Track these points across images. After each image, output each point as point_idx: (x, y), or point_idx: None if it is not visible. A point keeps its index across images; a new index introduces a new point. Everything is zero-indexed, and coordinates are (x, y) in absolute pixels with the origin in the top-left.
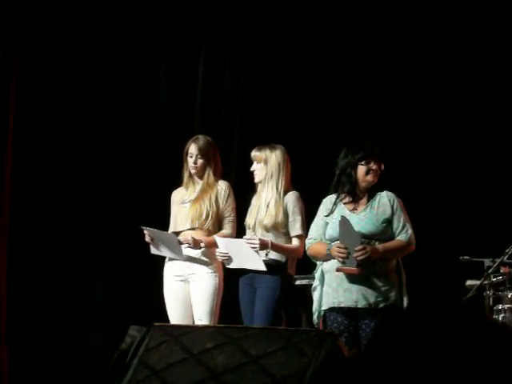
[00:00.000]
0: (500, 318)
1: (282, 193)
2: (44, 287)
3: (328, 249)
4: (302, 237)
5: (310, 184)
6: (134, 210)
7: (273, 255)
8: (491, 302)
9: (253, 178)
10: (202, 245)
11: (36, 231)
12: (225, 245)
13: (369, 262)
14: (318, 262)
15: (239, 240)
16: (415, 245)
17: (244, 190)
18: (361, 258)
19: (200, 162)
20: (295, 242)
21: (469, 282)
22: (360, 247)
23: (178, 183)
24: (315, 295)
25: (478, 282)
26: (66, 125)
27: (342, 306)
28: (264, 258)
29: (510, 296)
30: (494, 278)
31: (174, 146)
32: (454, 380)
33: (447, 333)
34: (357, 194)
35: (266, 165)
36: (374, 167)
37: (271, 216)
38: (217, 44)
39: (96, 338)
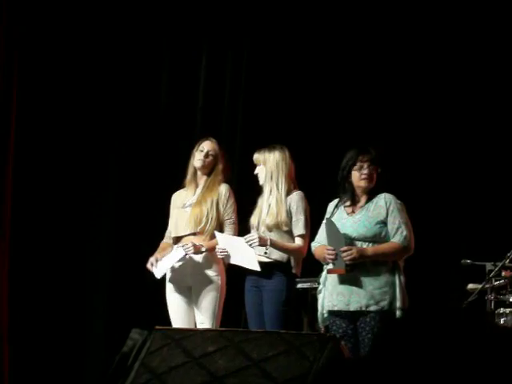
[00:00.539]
0: (501, 322)
1: (283, 192)
2: (46, 289)
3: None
4: (305, 236)
5: (312, 185)
6: (136, 213)
7: (274, 255)
8: (493, 306)
9: (254, 181)
10: (203, 249)
11: (38, 232)
12: (224, 241)
13: (356, 262)
14: (324, 266)
15: (238, 238)
16: (412, 247)
17: (246, 193)
18: (346, 258)
19: (210, 158)
20: (298, 242)
21: (470, 286)
22: (345, 248)
23: (179, 185)
24: (319, 298)
25: (479, 286)
26: (68, 126)
27: (336, 309)
28: (263, 257)
29: (511, 300)
30: (495, 281)
31: (176, 148)
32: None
33: (448, 337)
34: (355, 198)
35: (266, 166)
36: (366, 172)
37: (273, 215)
38: (219, 46)
39: (98, 341)
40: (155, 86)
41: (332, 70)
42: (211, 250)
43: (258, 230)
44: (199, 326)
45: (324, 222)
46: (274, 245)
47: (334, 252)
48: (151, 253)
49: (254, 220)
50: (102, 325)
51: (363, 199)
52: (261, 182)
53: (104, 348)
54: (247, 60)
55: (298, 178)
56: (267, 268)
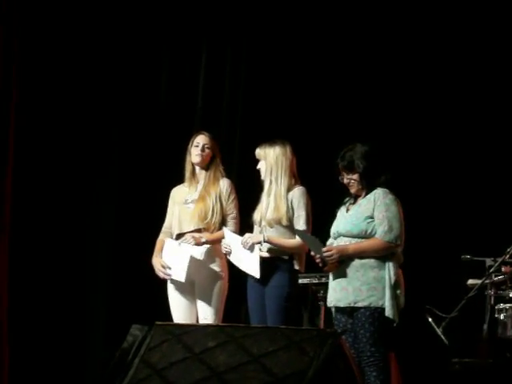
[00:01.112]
0: (501, 317)
1: (283, 187)
2: (46, 287)
3: None
4: (307, 232)
5: (314, 180)
6: (136, 210)
7: (275, 252)
8: (492, 302)
9: (254, 178)
10: (203, 240)
11: (38, 230)
12: (230, 238)
13: (339, 259)
14: None
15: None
16: (398, 242)
17: (246, 190)
18: (327, 259)
19: (207, 151)
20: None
21: (470, 281)
22: (325, 249)
23: (179, 182)
24: None
25: (479, 281)
26: (68, 126)
27: (332, 305)
28: (266, 253)
29: (511, 295)
30: (495, 277)
31: (175, 146)
32: None
33: None
34: (355, 196)
35: (266, 161)
36: (345, 182)
37: (272, 210)
38: (218, 44)
39: (98, 337)
40: (154, 84)
41: (333, 69)
42: (212, 242)
43: (260, 225)
44: (202, 321)
45: (296, 234)
46: (270, 242)
47: (318, 257)
48: (151, 248)
49: (256, 216)
50: (103, 321)
51: (361, 196)
52: (262, 177)
53: (104, 344)
54: (246, 58)
55: (300, 174)
56: (270, 264)
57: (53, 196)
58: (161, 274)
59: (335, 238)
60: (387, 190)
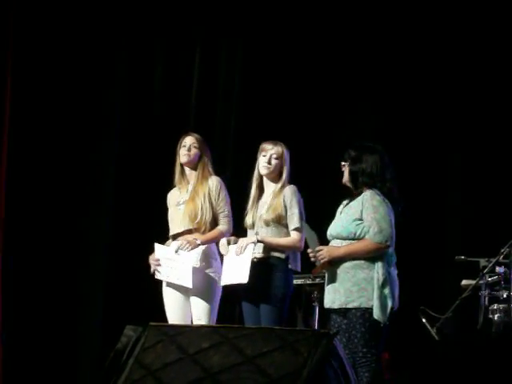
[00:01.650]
0: (495, 318)
1: (279, 185)
2: (40, 286)
3: None
4: (300, 230)
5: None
6: (131, 210)
7: (272, 252)
8: (486, 302)
9: (249, 177)
10: (198, 242)
11: (32, 229)
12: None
13: (329, 260)
14: None
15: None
16: (388, 243)
17: (240, 189)
18: (318, 258)
19: (194, 151)
20: (294, 236)
21: (464, 282)
22: (317, 248)
23: (172, 184)
24: None
25: (473, 282)
26: (63, 125)
27: (327, 306)
28: (261, 254)
29: (505, 296)
30: (489, 277)
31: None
32: None
33: None
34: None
35: (266, 157)
36: (342, 169)
37: (269, 209)
38: (212, 43)
39: (92, 338)
40: (148, 84)
41: (326, 68)
42: (207, 242)
43: (253, 227)
44: (196, 322)
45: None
46: (264, 242)
47: (312, 252)
48: (146, 249)
49: (248, 219)
50: (97, 321)
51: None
52: (262, 172)
53: (98, 345)
54: (241, 57)
55: (292, 173)
56: (265, 264)
57: (48, 196)
58: (152, 266)
59: (330, 241)
60: (374, 192)
